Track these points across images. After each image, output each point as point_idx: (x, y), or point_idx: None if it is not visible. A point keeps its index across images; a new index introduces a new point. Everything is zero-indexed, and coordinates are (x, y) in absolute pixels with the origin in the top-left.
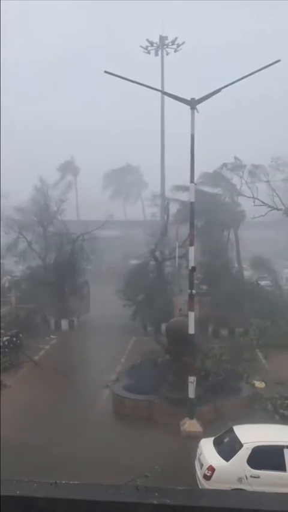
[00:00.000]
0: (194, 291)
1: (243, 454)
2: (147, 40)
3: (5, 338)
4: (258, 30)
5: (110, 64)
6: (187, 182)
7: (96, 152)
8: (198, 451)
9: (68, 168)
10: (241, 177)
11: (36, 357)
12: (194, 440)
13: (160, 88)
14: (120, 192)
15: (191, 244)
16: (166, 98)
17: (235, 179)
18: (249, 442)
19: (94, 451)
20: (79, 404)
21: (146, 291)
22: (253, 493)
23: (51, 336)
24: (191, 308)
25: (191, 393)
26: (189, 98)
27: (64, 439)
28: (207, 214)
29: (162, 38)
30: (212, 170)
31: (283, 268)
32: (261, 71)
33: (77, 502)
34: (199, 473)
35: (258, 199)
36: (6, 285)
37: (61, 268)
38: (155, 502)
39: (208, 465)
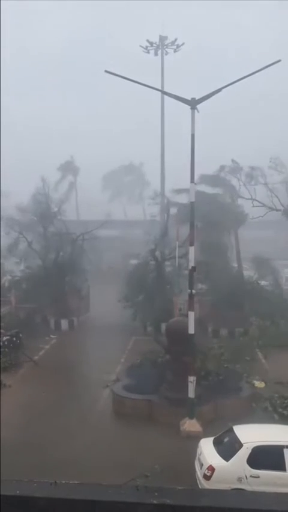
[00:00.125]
0: (194, 291)
1: (243, 453)
2: (147, 41)
3: (5, 338)
4: (258, 31)
5: (110, 63)
6: (187, 183)
7: (96, 152)
8: (198, 451)
9: (68, 168)
10: (239, 179)
11: (36, 357)
12: (193, 440)
13: (160, 88)
14: (121, 191)
15: (191, 244)
16: (166, 98)
17: (233, 181)
18: (249, 442)
19: (94, 451)
20: (79, 404)
21: (146, 291)
22: (253, 492)
23: (51, 336)
24: (191, 308)
25: (191, 393)
26: (188, 98)
27: (64, 439)
28: (208, 215)
29: (162, 38)
30: (211, 171)
31: (283, 268)
32: (261, 71)
33: (77, 502)
34: (199, 473)
35: (257, 201)
36: (6, 285)
37: (61, 268)
38: (155, 501)
39: (208, 465)
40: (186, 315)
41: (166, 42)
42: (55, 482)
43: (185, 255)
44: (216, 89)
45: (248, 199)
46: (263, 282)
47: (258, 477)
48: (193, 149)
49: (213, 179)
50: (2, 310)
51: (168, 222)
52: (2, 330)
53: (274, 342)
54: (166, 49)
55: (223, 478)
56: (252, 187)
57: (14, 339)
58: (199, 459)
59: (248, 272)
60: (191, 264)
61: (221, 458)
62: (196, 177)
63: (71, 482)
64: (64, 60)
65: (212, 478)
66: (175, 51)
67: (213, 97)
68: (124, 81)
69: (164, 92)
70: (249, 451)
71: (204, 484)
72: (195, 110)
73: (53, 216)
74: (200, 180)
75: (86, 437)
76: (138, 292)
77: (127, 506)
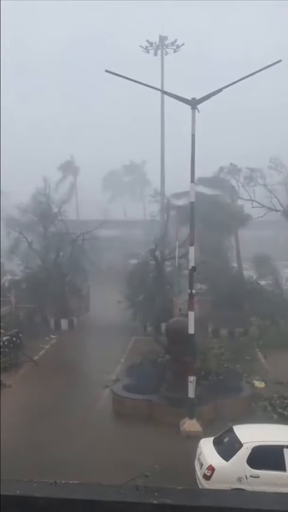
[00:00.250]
0: (194, 291)
1: (243, 453)
2: (147, 41)
3: (5, 338)
4: (259, 31)
5: (110, 63)
6: (187, 184)
7: (96, 152)
8: (198, 451)
9: (68, 168)
10: (237, 181)
11: (36, 357)
12: (193, 439)
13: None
14: (121, 191)
15: (191, 244)
16: (166, 98)
17: (233, 182)
18: (249, 442)
19: (94, 451)
20: (79, 404)
21: (146, 291)
22: (253, 492)
23: (51, 336)
24: (190, 308)
25: (191, 393)
26: (189, 98)
27: (64, 439)
28: (208, 216)
29: (162, 38)
30: (210, 171)
31: (283, 268)
32: (261, 72)
33: (77, 501)
34: (199, 473)
35: (256, 201)
36: (6, 285)
37: (61, 268)
38: (155, 501)
39: (208, 465)
40: (186, 315)
41: (166, 42)
42: (55, 482)
43: (185, 255)
44: (216, 89)
45: (247, 200)
46: (263, 282)
47: (258, 477)
48: (193, 149)
49: (211, 182)
50: (2, 310)
51: (168, 222)
52: (2, 330)
53: (274, 342)
54: (166, 49)
55: (223, 477)
56: (251, 188)
57: (14, 339)
58: (199, 459)
59: (248, 272)
60: (191, 264)
61: (221, 458)
62: (195, 179)
63: (71, 482)
64: (64, 60)
65: (212, 478)
66: (175, 51)
67: (213, 97)
68: (124, 81)
69: (164, 92)
70: (249, 451)
71: (204, 484)
72: (196, 110)
73: (54, 216)
74: (198, 183)
75: (86, 437)
76: (138, 292)
77: (127, 506)
